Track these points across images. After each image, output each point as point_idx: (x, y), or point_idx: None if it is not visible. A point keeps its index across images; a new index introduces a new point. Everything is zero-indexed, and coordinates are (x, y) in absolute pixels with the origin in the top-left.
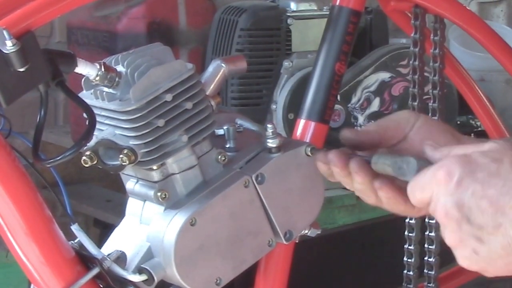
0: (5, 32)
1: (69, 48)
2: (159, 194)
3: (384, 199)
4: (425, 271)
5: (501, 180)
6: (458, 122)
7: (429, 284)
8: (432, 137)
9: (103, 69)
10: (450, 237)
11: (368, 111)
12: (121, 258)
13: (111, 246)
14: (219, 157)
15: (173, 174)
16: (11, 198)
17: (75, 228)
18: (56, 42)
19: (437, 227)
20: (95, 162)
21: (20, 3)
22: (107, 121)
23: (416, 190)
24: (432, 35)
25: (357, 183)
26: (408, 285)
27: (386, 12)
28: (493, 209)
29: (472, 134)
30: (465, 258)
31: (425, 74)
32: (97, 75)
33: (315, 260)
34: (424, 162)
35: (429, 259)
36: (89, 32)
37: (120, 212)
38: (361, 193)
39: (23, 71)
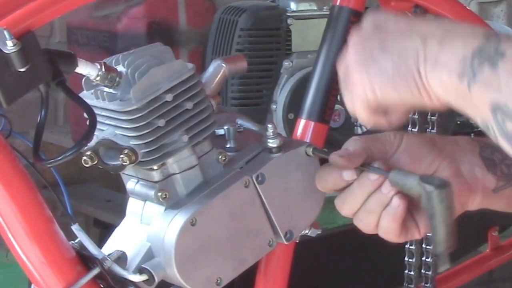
0: (5, 32)
1: (69, 48)
2: (159, 194)
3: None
4: (423, 271)
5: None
6: (458, 122)
7: (426, 285)
8: (416, 155)
9: (103, 69)
10: (350, 37)
11: None
12: (121, 258)
13: (111, 246)
14: (220, 157)
15: (173, 174)
16: (11, 198)
17: (75, 228)
18: (56, 42)
19: None
20: (95, 162)
21: (20, 3)
22: (107, 121)
23: None
24: None
25: (374, 202)
26: (409, 285)
27: None
28: (407, 20)
29: (472, 134)
30: (353, 60)
31: None
32: (97, 75)
33: (315, 260)
34: (428, 179)
35: (427, 260)
36: (89, 32)
37: (120, 212)
38: (369, 213)
39: (23, 71)
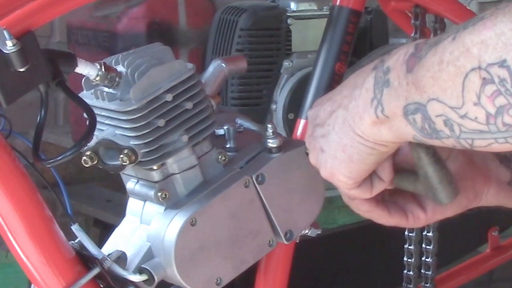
0: (5, 32)
1: (69, 48)
2: (159, 194)
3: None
4: (423, 271)
5: (342, 88)
6: None
7: (426, 285)
8: None
9: (103, 69)
10: (307, 145)
11: None
12: (121, 258)
13: (111, 246)
14: (220, 157)
15: (173, 174)
16: (11, 198)
17: (75, 228)
18: (56, 42)
19: (435, 227)
20: (95, 162)
21: (20, 3)
22: (107, 121)
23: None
24: (432, 35)
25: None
26: (408, 285)
27: (386, 12)
28: (330, 104)
29: None
30: (314, 159)
31: None
32: (97, 75)
33: (315, 260)
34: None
35: (427, 259)
36: (89, 32)
37: (120, 212)
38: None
39: (23, 71)
